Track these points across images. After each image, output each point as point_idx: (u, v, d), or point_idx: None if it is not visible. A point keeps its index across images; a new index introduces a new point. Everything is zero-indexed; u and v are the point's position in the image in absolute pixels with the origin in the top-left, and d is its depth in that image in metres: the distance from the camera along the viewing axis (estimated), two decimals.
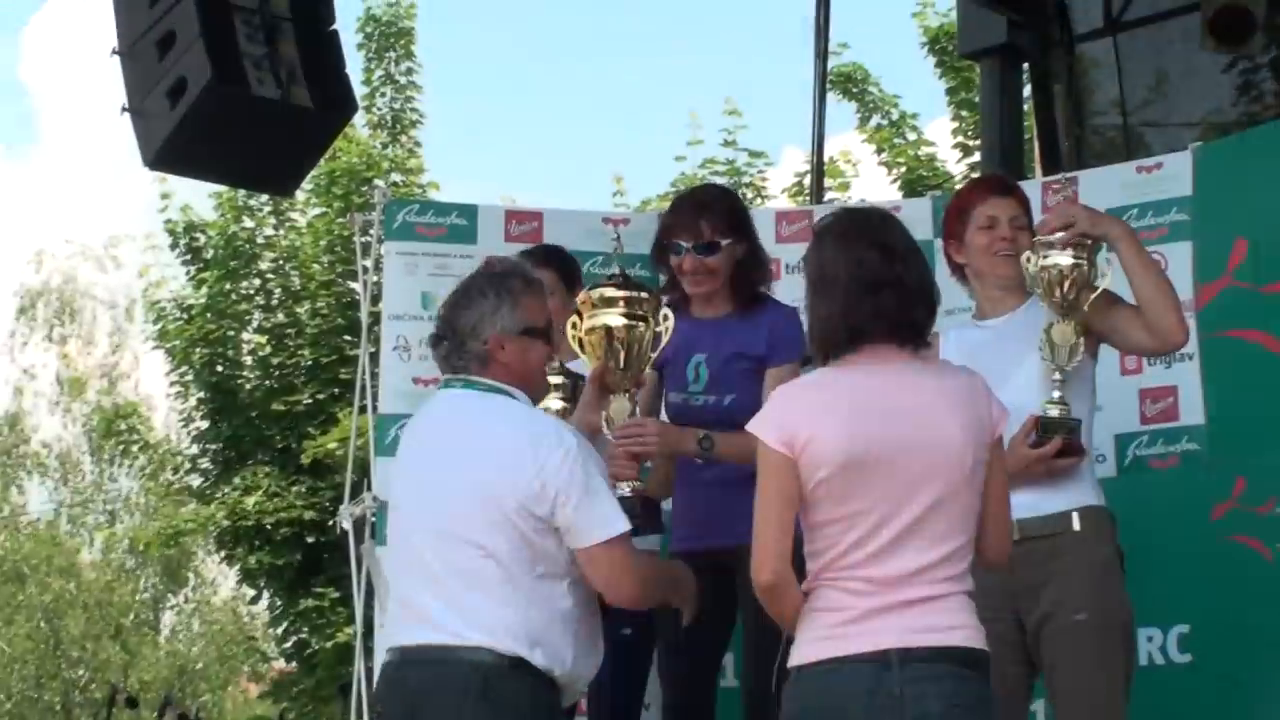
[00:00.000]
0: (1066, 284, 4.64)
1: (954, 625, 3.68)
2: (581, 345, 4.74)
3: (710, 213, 4.99)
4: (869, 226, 3.86)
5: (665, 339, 4.73)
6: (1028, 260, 4.71)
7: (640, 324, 4.68)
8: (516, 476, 4.02)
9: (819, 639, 3.69)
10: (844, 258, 3.77)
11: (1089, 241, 4.67)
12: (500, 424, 4.14)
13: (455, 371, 4.23)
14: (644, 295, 4.71)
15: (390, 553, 4.42)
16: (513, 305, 4.21)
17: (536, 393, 4.31)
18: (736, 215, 5.06)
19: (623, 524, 4.05)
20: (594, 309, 4.69)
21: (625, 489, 4.63)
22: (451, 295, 4.31)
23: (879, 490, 3.66)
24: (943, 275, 6.51)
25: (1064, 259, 4.64)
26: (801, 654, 3.71)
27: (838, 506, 3.68)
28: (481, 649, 3.99)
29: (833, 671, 3.64)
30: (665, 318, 4.74)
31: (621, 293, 4.69)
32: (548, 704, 4.06)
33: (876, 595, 3.64)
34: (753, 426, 3.77)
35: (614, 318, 4.67)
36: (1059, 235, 4.65)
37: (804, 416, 3.71)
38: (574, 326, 4.79)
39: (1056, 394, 4.63)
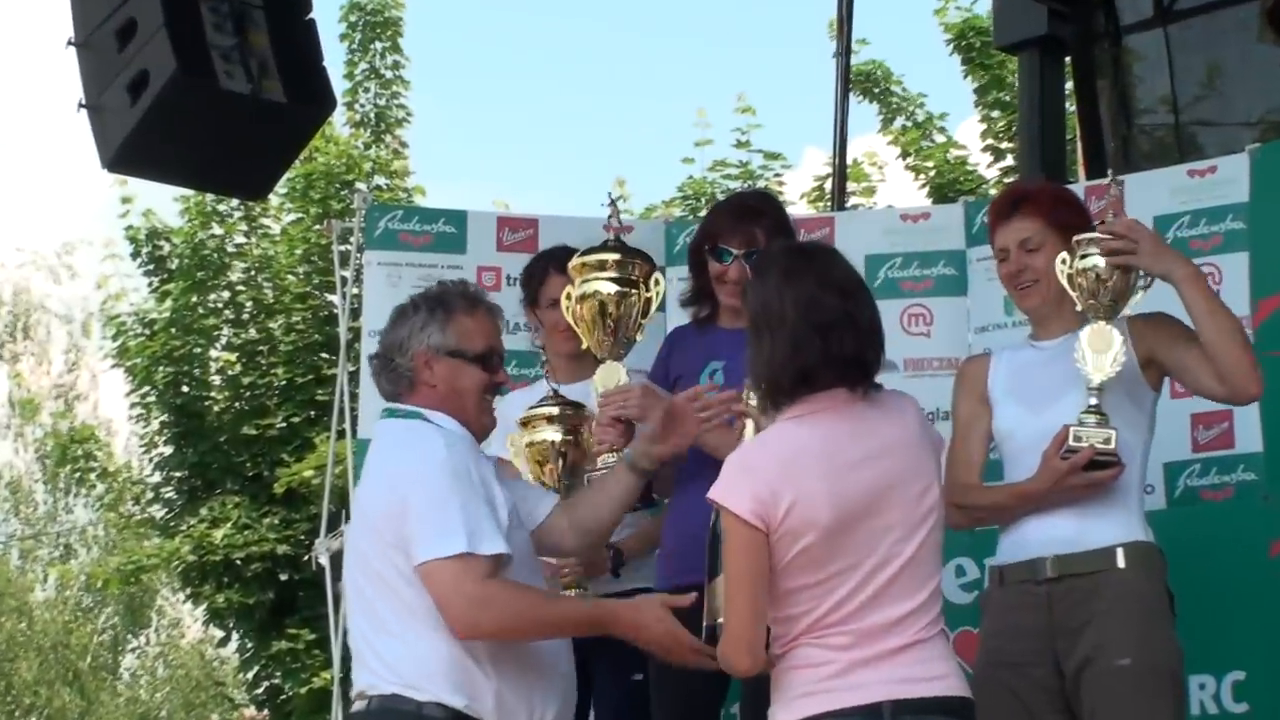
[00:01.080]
0: (1104, 287, 4.64)
1: (939, 674, 3.78)
2: (575, 319, 4.89)
3: (764, 219, 5.07)
4: (815, 263, 3.93)
5: (655, 305, 4.83)
6: (1063, 262, 4.71)
7: (632, 291, 4.80)
8: (386, 501, 4.12)
9: (803, 695, 3.74)
10: (791, 295, 3.82)
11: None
12: (388, 453, 4.27)
13: (386, 395, 4.35)
14: (636, 261, 4.83)
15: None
16: (444, 324, 4.28)
17: (472, 420, 4.31)
18: (786, 225, 5.16)
19: (460, 543, 4.02)
20: (586, 274, 4.82)
21: (610, 459, 4.75)
22: (390, 315, 4.42)
23: (864, 545, 3.74)
24: (979, 289, 6.56)
25: (1103, 259, 4.63)
26: (788, 712, 3.75)
27: (819, 571, 3.74)
28: (397, 695, 4.07)
29: None
30: (656, 282, 4.85)
31: (614, 256, 4.81)
32: None
33: (859, 648, 3.73)
34: (719, 497, 3.78)
35: (606, 284, 4.82)
36: (1104, 239, 4.64)
37: (781, 482, 3.73)
38: (567, 297, 4.94)
39: (1093, 401, 4.61)
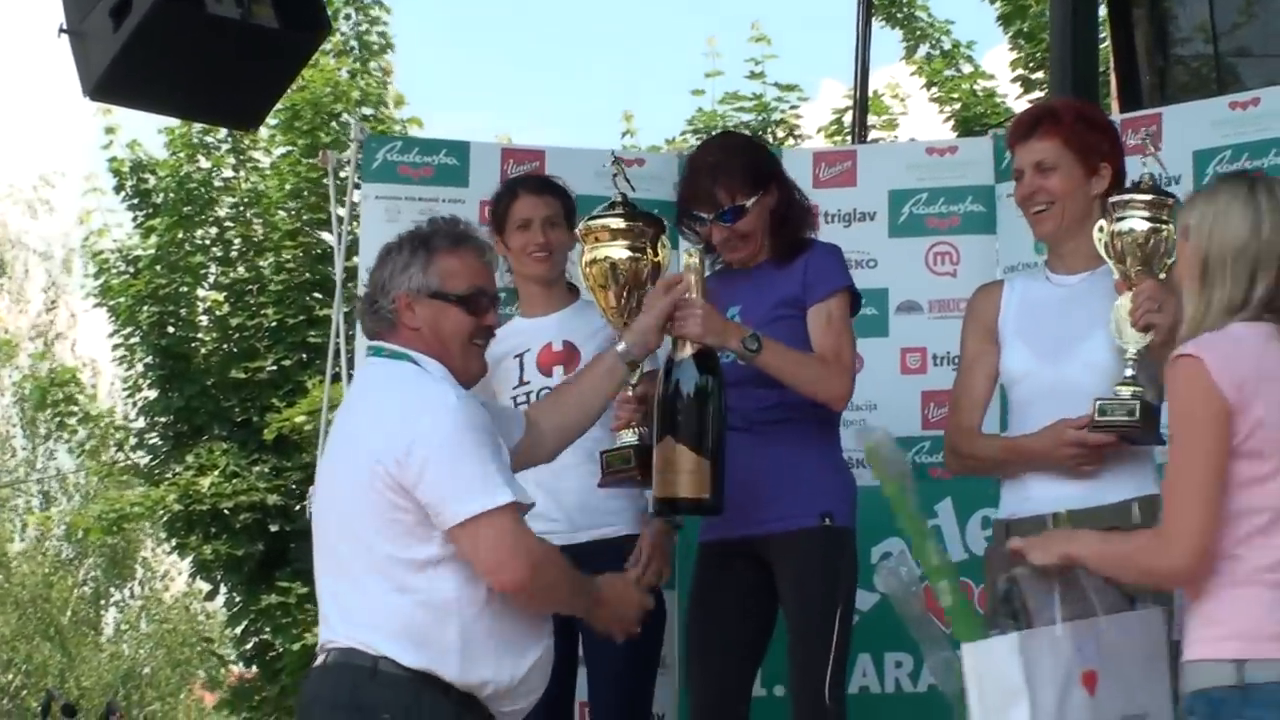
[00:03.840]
0: (1142, 251, 4.59)
1: None
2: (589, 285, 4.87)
3: (725, 174, 5.04)
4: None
5: (665, 268, 4.83)
6: (1100, 229, 4.67)
7: (642, 256, 4.80)
8: (386, 445, 4.08)
9: None
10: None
11: (1169, 201, 4.63)
12: (384, 393, 4.23)
13: (370, 335, 4.34)
14: (646, 225, 4.82)
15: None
16: (426, 264, 4.26)
17: (456, 366, 4.28)
18: (757, 168, 5.11)
19: (502, 495, 4.04)
20: (596, 241, 4.81)
21: (629, 436, 4.76)
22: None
23: None
24: (1008, 226, 6.55)
25: (1140, 223, 4.60)
26: None
27: None
28: (352, 650, 4.09)
29: None
30: (663, 246, 4.85)
31: (624, 223, 4.80)
32: (434, 712, 4.06)
33: None
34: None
35: (618, 250, 4.81)
36: (1139, 197, 4.61)
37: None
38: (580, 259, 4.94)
39: (1129, 372, 4.61)
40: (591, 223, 4.84)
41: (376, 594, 4.09)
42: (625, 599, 4.37)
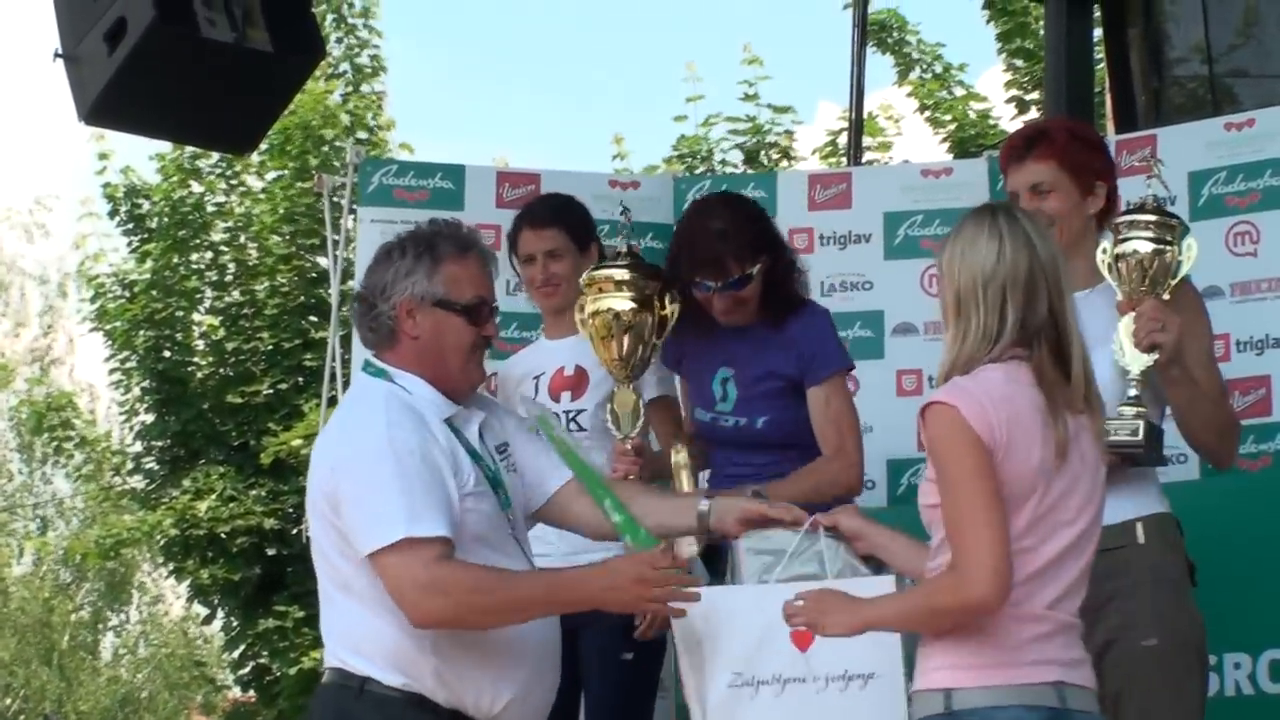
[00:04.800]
0: (1146, 273, 4.59)
1: None
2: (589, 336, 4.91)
3: (731, 243, 4.99)
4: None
5: (671, 323, 4.82)
6: (1103, 251, 4.66)
7: (647, 311, 4.82)
8: (321, 468, 4.09)
9: None
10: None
11: (1174, 222, 4.63)
12: (338, 412, 4.25)
13: (365, 342, 4.28)
14: (651, 279, 4.82)
15: None
16: (431, 270, 4.18)
17: (453, 377, 4.21)
18: (760, 234, 5.07)
19: (400, 529, 3.94)
20: (600, 291, 4.80)
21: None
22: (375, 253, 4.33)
23: None
24: None
25: (1144, 244, 4.59)
26: None
27: None
28: (341, 670, 4.08)
29: None
30: (671, 300, 4.83)
31: (629, 275, 4.79)
32: None
33: None
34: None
35: (622, 302, 4.81)
36: (1143, 218, 4.61)
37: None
38: (580, 309, 4.93)
39: (1133, 393, 4.59)
40: (595, 273, 4.83)
41: (350, 614, 4.07)
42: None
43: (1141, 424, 4.56)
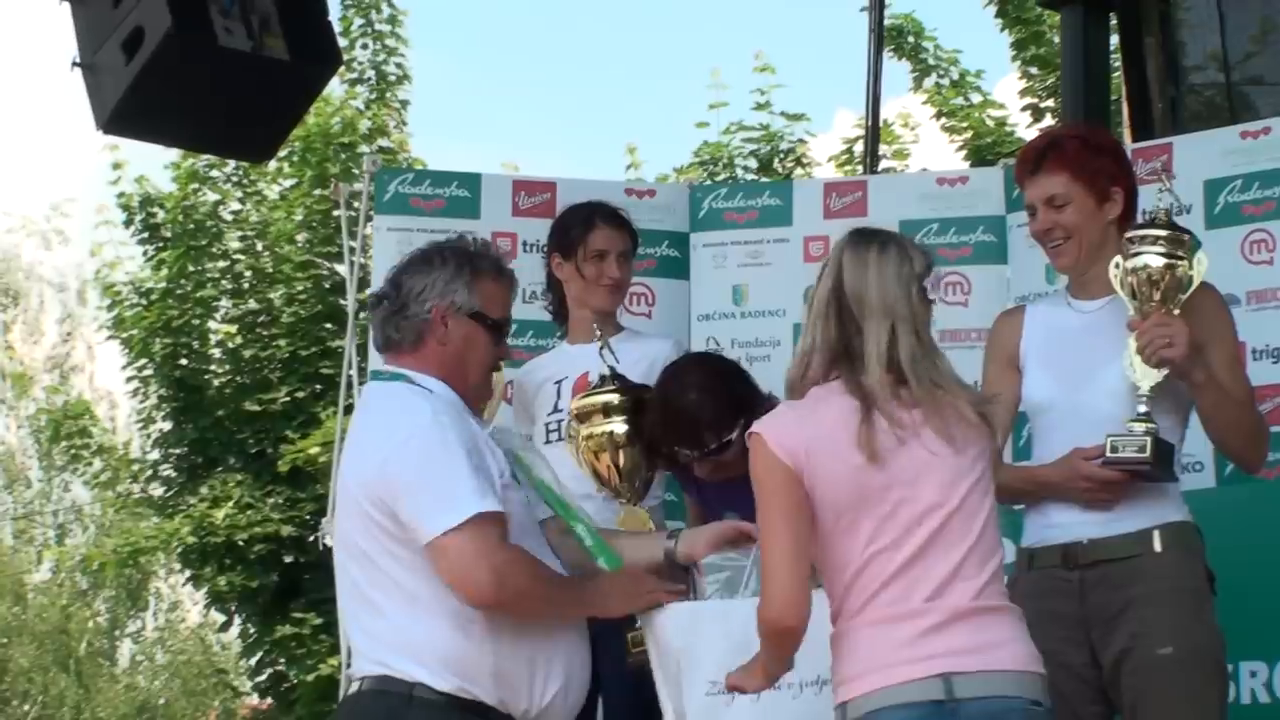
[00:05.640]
0: (1157, 287, 4.57)
1: None
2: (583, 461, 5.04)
3: (707, 411, 4.97)
4: None
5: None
6: (1116, 265, 4.64)
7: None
8: (368, 468, 4.10)
9: None
10: None
11: (1185, 237, 4.62)
12: (369, 414, 4.27)
13: (386, 342, 4.30)
14: (640, 399, 4.96)
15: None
16: (471, 282, 4.25)
17: (470, 388, 4.28)
18: (735, 404, 4.99)
19: (471, 505, 3.99)
20: (592, 417, 4.97)
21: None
22: (406, 256, 4.38)
23: None
24: (1019, 256, 6.55)
25: (1155, 259, 4.57)
26: None
27: None
28: (387, 677, 4.07)
29: None
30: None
31: (621, 398, 4.94)
32: None
33: None
34: None
35: (618, 425, 4.95)
36: (1154, 232, 4.60)
37: None
38: (570, 436, 5.08)
39: (1142, 408, 4.57)
40: (588, 400, 5.00)
41: (404, 623, 4.07)
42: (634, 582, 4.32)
43: (1149, 440, 4.53)
